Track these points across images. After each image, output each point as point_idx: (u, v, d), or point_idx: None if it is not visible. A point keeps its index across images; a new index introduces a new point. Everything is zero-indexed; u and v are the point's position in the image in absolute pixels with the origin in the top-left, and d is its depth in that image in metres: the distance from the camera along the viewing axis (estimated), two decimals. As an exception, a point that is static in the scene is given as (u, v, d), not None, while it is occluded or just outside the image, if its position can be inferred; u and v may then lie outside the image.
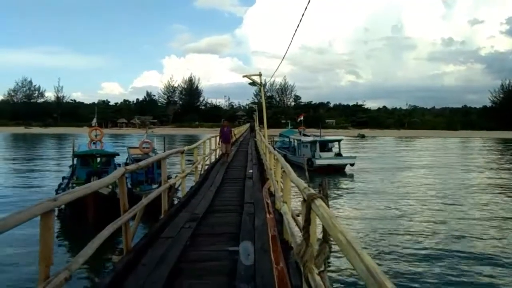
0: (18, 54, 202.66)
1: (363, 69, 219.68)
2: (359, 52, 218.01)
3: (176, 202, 9.99)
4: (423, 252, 11.13)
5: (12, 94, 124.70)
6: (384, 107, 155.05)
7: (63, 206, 13.83)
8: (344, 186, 23.33)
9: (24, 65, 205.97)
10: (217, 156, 19.19)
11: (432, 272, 9.62)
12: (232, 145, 21.64)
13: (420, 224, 14.27)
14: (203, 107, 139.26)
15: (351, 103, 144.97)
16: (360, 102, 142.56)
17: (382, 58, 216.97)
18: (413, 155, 46.14)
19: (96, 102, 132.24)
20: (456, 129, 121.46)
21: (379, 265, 1.53)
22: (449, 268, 9.91)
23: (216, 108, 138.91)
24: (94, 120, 20.41)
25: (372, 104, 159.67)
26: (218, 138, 18.47)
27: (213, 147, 18.38)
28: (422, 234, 13.01)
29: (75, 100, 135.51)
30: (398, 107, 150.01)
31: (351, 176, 27.26)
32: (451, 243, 11.98)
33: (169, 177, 9.68)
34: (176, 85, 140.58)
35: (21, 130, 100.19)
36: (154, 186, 14.95)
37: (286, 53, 14.60)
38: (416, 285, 8.91)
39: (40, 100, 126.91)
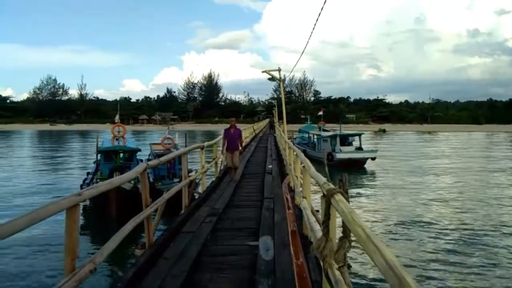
0: (43, 53, 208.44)
1: (384, 62, 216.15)
2: (380, 46, 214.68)
3: (196, 197, 10.09)
4: (444, 250, 10.90)
5: (38, 92, 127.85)
6: (406, 101, 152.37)
7: (87, 201, 14.19)
8: (365, 181, 23.07)
9: (49, 63, 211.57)
10: (221, 169, 13.43)
11: (452, 271, 9.43)
12: (241, 153, 14.36)
13: (442, 222, 13.98)
14: (222, 103, 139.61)
15: (372, 98, 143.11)
16: (381, 97, 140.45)
17: (405, 51, 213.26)
18: (436, 150, 45.20)
19: (118, 99, 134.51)
20: (481, 123, 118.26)
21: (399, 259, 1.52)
22: (470, 268, 9.69)
23: (235, 104, 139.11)
24: (117, 117, 20.76)
25: (393, 99, 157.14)
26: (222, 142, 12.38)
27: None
28: (444, 232, 12.75)
29: (97, 97, 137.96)
30: (420, 101, 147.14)
31: (372, 171, 26.91)
32: (474, 243, 11.68)
33: (189, 171, 9.81)
34: (196, 81, 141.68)
35: (46, 127, 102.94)
36: (176, 180, 15.16)
37: (305, 47, 14.45)
38: (435, 281, 8.77)
39: (65, 98, 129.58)
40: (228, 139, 11.88)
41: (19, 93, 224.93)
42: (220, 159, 13.55)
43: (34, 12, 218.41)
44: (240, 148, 12.41)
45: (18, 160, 32.77)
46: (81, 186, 15.54)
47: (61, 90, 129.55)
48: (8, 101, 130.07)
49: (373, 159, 28.18)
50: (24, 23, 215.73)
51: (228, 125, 12.28)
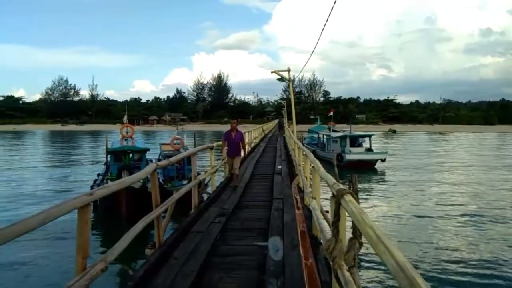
0: (55, 54, 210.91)
1: (395, 62, 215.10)
2: (391, 45, 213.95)
3: (205, 197, 10.11)
4: (455, 252, 10.80)
5: (50, 93, 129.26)
6: (417, 101, 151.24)
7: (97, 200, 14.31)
8: (375, 182, 22.93)
9: (60, 64, 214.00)
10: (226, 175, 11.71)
11: (462, 272, 9.33)
12: (243, 162, 13.08)
13: (452, 222, 13.84)
14: (232, 104, 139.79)
15: (382, 98, 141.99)
16: (391, 97, 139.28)
17: (415, 51, 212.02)
18: (447, 151, 44.73)
19: (128, 99, 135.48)
20: (493, 124, 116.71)
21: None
22: (482, 270, 9.57)
23: (244, 105, 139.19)
24: (125, 118, 20.97)
25: (404, 99, 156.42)
26: (223, 147, 10.92)
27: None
28: (454, 233, 12.62)
29: (108, 98, 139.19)
30: (431, 102, 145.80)
31: (382, 172, 26.74)
32: (485, 245, 11.54)
33: (198, 173, 9.82)
34: (205, 82, 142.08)
35: (58, 127, 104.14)
36: (185, 182, 15.21)
37: (315, 48, 14.43)
38: (447, 282, 8.68)
39: (76, 98, 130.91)
40: (229, 143, 10.38)
41: (31, 94, 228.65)
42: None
43: (46, 14, 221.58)
44: (242, 154, 10.75)
45: (31, 160, 33.20)
46: (92, 187, 15.68)
47: (72, 91, 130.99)
48: (20, 102, 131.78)
49: (383, 160, 28.01)
50: (36, 25, 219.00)
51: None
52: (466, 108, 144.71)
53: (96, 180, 17.67)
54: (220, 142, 11.61)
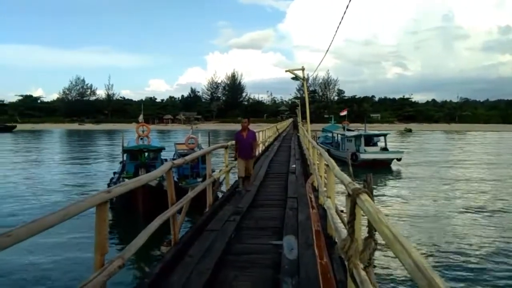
0: (72, 54, 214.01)
1: (411, 61, 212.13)
2: (407, 44, 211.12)
3: (220, 196, 10.15)
4: (474, 251, 10.61)
5: (67, 92, 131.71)
6: (433, 100, 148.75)
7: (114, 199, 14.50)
8: (390, 182, 22.67)
9: (78, 64, 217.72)
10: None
11: (481, 271, 9.16)
12: (256, 161, 12.75)
13: (470, 222, 13.60)
14: (245, 103, 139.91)
15: (397, 97, 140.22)
16: (407, 96, 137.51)
17: (432, 49, 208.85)
18: (464, 149, 43.93)
19: (143, 99, 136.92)
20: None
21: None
22: (501, 270, 9.39)
23: (258, 104, 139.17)
24: (141, 117, 21.22)
25: (420, 98, 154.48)
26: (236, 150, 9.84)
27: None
28: (473, 232, 12.39)
29: (124, 97, 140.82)
30: (448, 100, 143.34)
31: (398, 171, 26.42)
32: (505, 244, 11.30)
33: (213, 171, 9.86)
34: (219, 81, 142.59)
35: (75, 126, 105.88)
36: (199, 180, 15.33)
37: (329, 46, 14.34)
38: (465, 283, 8.54)
39: (92, 98, 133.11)
40: (240, 145, 9.61)
41: (49, 94, 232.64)
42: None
43: (63, 15, 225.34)
44: (254, 155, 10.14)
45: (49, 158, 33.85)
46: (108, 185, 15.90)
47: (89, 90, 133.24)
48: (39, 101, 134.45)
49: (398, 159, 27.67)
50: (54, 26, 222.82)
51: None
52: (483, 107, 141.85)
53: (112, 178, 17.91)
54: (234, 142, 11.59)
